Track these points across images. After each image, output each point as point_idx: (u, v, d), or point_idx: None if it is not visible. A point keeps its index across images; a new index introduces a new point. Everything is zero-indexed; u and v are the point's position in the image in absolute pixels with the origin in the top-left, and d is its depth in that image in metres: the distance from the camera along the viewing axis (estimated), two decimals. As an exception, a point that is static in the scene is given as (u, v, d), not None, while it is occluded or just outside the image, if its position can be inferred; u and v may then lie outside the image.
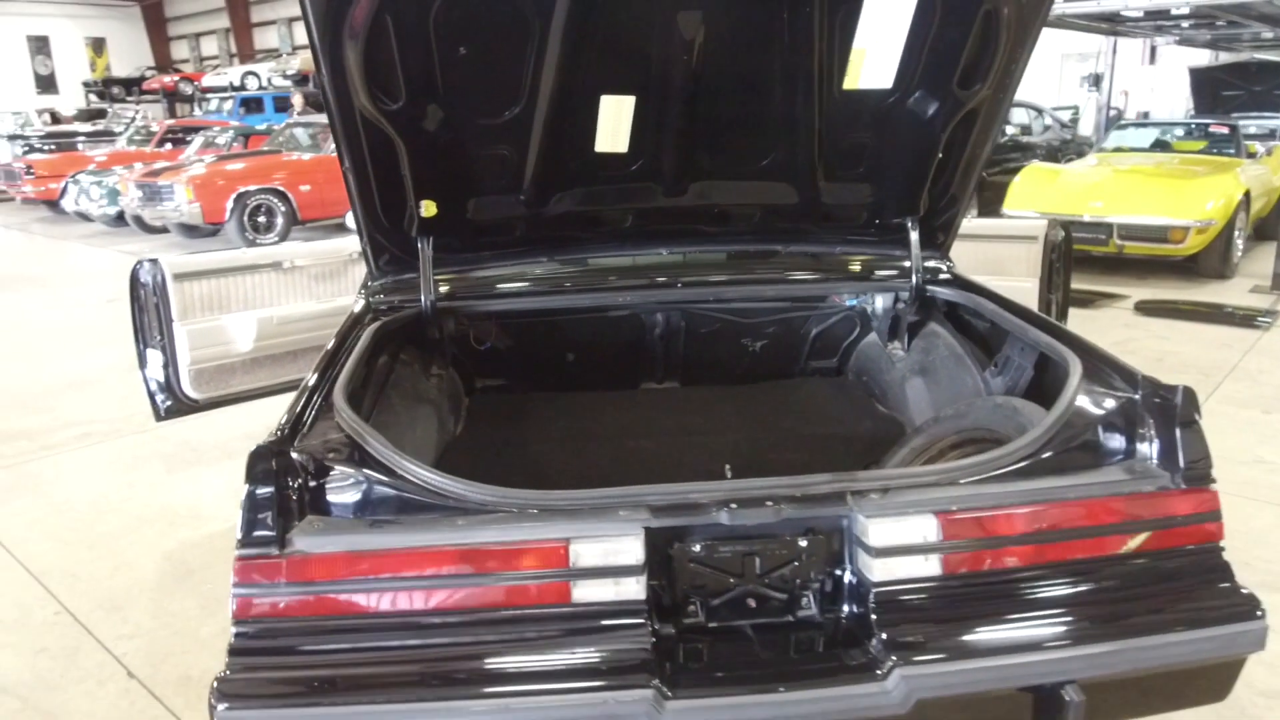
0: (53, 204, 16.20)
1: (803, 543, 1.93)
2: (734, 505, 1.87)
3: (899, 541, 1.90)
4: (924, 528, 1.90)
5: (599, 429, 3.13)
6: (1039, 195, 9.07)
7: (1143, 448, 2.07)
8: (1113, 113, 14.79)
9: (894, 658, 1.79)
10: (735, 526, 1.89)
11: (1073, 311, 7.62)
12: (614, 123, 2.63)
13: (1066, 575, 1.95)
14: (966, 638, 1.85)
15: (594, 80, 2.59)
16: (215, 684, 1.73)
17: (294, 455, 1.94)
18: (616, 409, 3.30)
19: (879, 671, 1.78)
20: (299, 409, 2.13)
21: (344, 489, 1.94)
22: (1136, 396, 2.13)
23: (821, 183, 2.96)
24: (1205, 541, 2.01)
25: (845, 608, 1.96)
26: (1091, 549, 1.97)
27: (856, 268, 3.15)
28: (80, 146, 18.78)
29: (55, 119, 27.63)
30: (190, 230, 12.75)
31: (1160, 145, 10.48)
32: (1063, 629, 1.88)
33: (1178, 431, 2.01)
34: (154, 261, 4.48)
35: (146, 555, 3.96)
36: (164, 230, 13.37)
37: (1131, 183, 8.88)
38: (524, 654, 1.79)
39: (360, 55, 2.34)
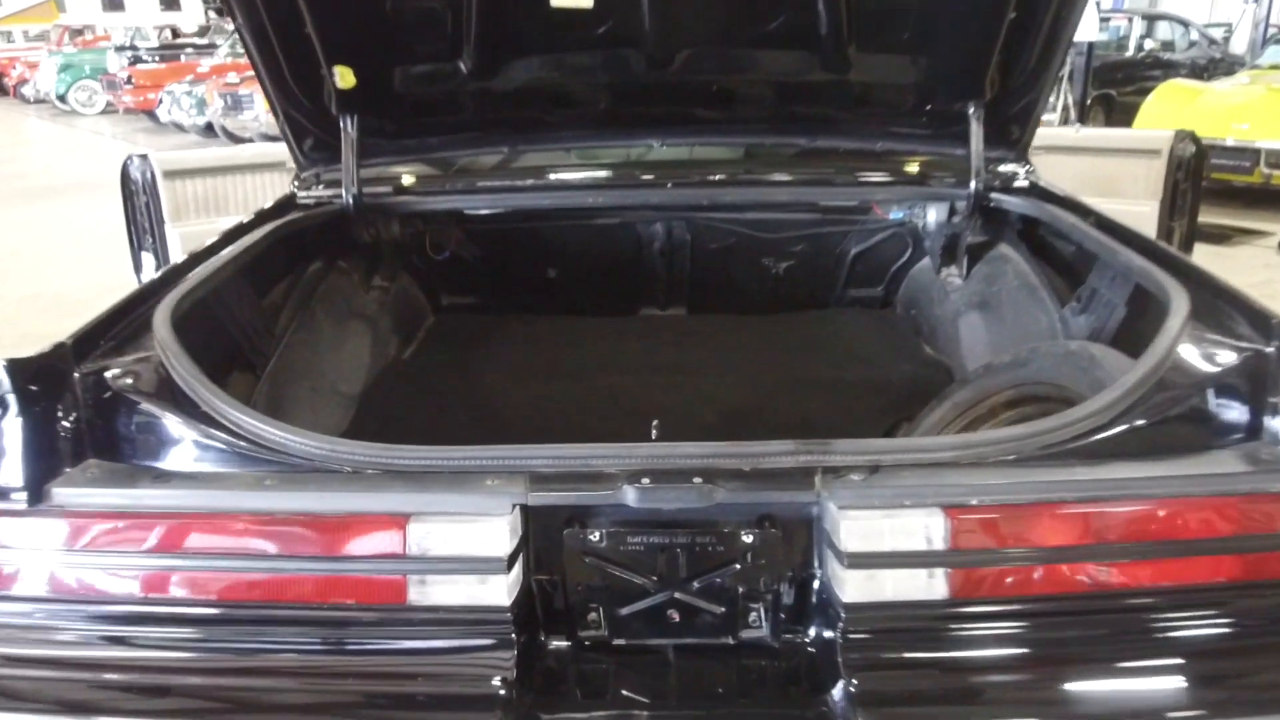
0: (152, 114, 16.38)
1: (748, 538, 1.35)
2: (647, 480, 1.30)
3: (885, 546, 1.30)
4: (925, 528, 1.30)
5: (573, 361, 2.59)
6: (1174, 115, 7.88)
7: (1275, 425, 1.39)
8: (1274, 30, 13.01)
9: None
10: (649, 510, 1.33)
11: (1203, 249, 6.60)
12: (571, -34, 2.02)
13: (1142, 613, 1.32)
14: (977, 699, 1.26)
15: None
16: None
17: (76, 376, 1.47)
18: (602, 338, 2.74)
19: None
20: (110, 316, 1.65)
21: (136, 427, 1.46)
22: (1270, 349, 1.44)
23: (852, 53, 2.26)
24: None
25: (810, 632, 1.39)
26: (1186, 574, 1.33)
27: (902, 169, 2.46)
28: (183, 58, 18.90)
29: (175, 35, 28.15)
30: (272, 140, 12.59)
31: (1328, 61, 9.04)
32: (1130, 694, 1.27)
33: None
34: (144, 157, 4.11)
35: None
36: (249, 140, 13.28)
37: (1287, 102, 7.63)
38: (333, 674, 1.30)
39: None
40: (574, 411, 2.32)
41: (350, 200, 2.28)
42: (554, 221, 2.72)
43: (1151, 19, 12.39)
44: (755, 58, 2.32)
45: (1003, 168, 2.43)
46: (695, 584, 1.37)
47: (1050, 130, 4.25)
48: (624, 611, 1.39)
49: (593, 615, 1.40)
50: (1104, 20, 11.23)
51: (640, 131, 2.47)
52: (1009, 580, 1.31)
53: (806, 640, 1.38)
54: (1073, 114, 8.36)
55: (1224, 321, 1.57)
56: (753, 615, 1.41)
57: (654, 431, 1.54)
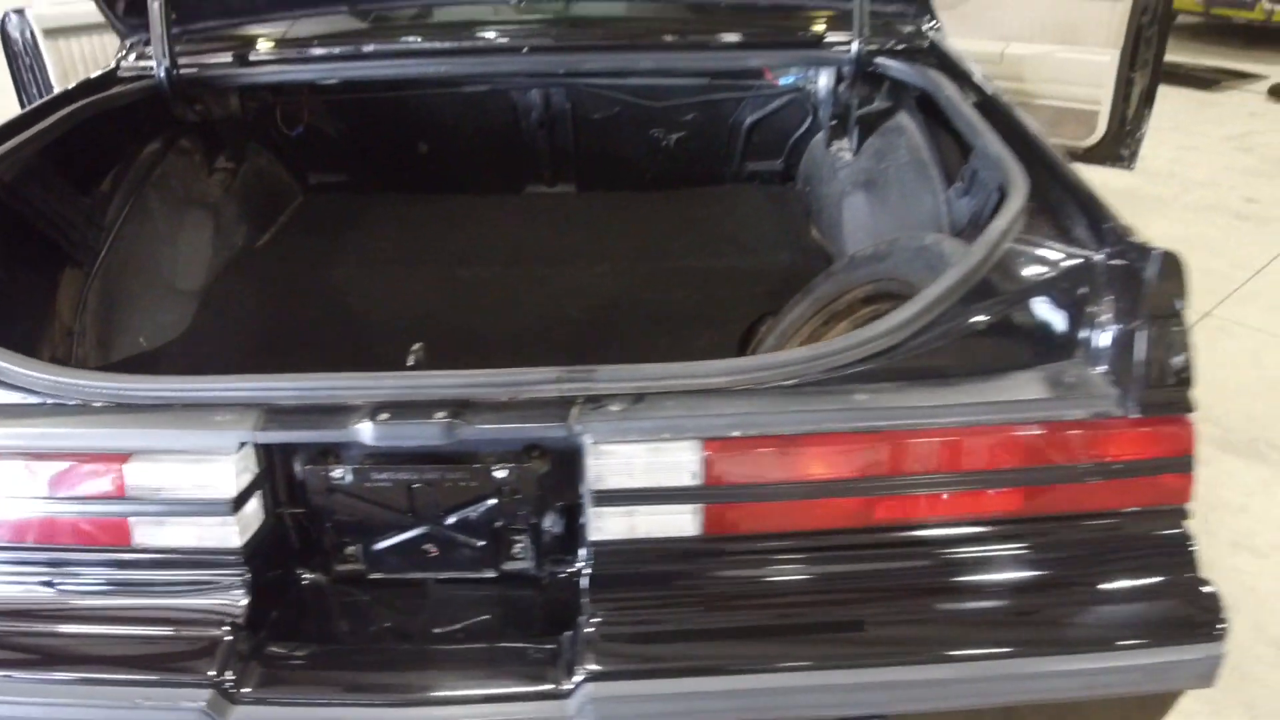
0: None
1: (502, 472, 1.26)
2: (385, 415, 1.20)
3: (636, 482, 1.21)
4: (680, 462, 1.20)
5: (439, 247, 2.44)
6: (1178, -57, 7.30)
7: (1096, 342, 1.27)
8: None
9: (591, 667, 1.15)
10: (387, 446, 1.24)
11: (1188, 94, 6.27)
12: None
13: (906, 550, 1.24)
14: (717, 644, 1.20)
15: None
16: None
17: None
18: (477, 220, 2.58)
19: (563, 685, 1.16)
20: None
21: None
22: (1098, 257, 1.30)
23: None
24: (1157, 503, 1.25)
25: (570, 567, 1.33)
26: (963, 507, 1.24)
27: (785, 28, 2.22)
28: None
29: None
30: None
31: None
32: (877, 638, 1.20)
33: (1140, 323, 1.20)
34: (20, 13, 3.82)
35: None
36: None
37: (1301, -74, 7.01)
38: (57, 617, 1.24)
39: None
40: (430, 306, 2.20)
41: (163, 74, 2.07)
42: (417, 90, 2.50)
43: None
44: None
45: (907, 28, 2.19)
46: (450, 518, 1.30)
47: (1008, -30, 3.89)
48: (379, 546, 1.33)
49: (351, 550, 1.34)
50: None
51: None
52: (768, 516, 1.23)
53: (568, 574, 1.32)
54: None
55: (1060, 223, 1.42)
56: (518, 547, 1.34)
57: (411, 358, 1.42)
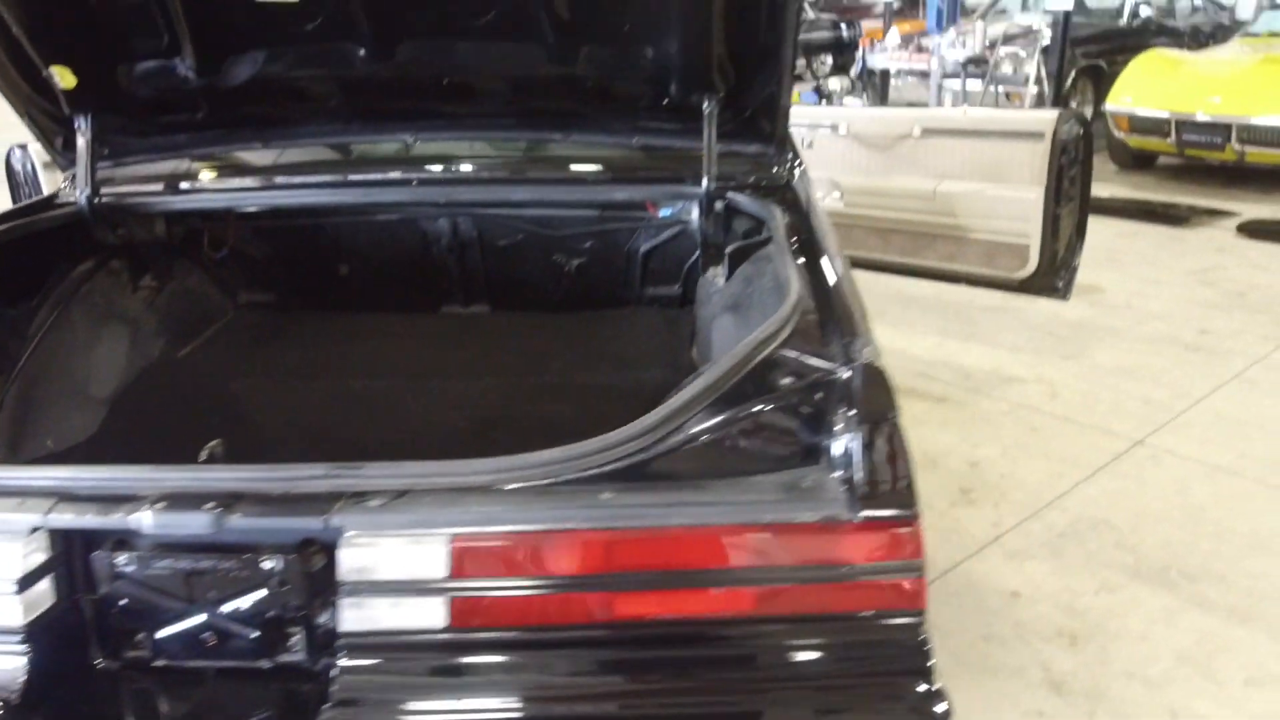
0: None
1: (270, 563, 1.34)
2: (162, 504, 1.29)
3: (383, 575, 1.28)
4: (427, 556, 1.28)
5: (339, 362, 2.58)
6: (1151, 88, 7.60)
7: (834, 450, 1.34)
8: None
9: None
10: (162, 535, 1.33)
11: (1163, 230, 6.41)
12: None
13: (645, 647, 1.29)
14: None
15: None
16: None
17: None
18: (387, 337, 2.73)
19: None
20: None
21: None
22: (840, 373, 1.38)
23: (581, 46, 2.21)
24: (889, 606, 1.29)
25: (332, 659, 1.38)
26: (697, 605, 1.29)
27: (654, 166, 2.39)
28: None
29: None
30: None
31: (1329, 29, 8.62)
32: None
33: (855, 432, 1.28)
34: (24, 148, 4.17)
35: None
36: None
37: (1264, 75, 7.28)
38: None
39: None
40: (316, 416, 2.32)
41: (84, 202, 2.28)
42: (333, 218, 2.70)
43: (1153, -18, 11.88)
44: (478, 50, 2.25)
45: (774, 167, 2.35)
46: (224, 608, 1.37)
47: (938, 112, 4.10)
48: (162, 634, 1.40)
49: (138, 636, 1.41)
50: (1101, -14, 10.79)
51: (389, 127, 2.43)
52: (512, 610, 1.29)
53: (333, 667, 1.37)
54: (1046, 88, 8.06)
55: (823, 340, 1.51)
56: (293, 639, 1.40)
57: (205, 453, 1.53)
